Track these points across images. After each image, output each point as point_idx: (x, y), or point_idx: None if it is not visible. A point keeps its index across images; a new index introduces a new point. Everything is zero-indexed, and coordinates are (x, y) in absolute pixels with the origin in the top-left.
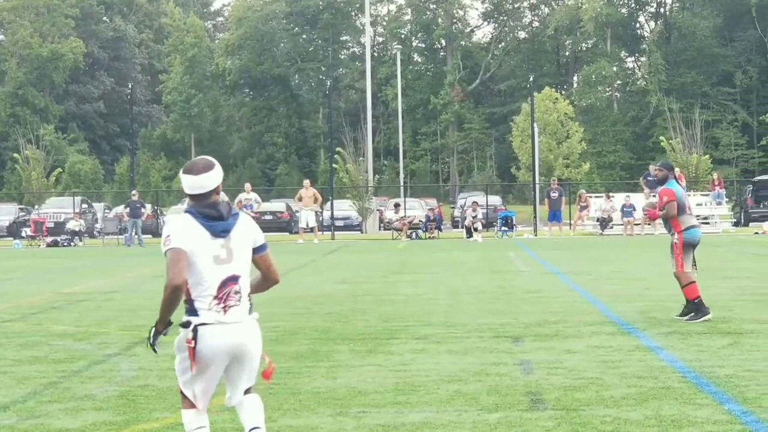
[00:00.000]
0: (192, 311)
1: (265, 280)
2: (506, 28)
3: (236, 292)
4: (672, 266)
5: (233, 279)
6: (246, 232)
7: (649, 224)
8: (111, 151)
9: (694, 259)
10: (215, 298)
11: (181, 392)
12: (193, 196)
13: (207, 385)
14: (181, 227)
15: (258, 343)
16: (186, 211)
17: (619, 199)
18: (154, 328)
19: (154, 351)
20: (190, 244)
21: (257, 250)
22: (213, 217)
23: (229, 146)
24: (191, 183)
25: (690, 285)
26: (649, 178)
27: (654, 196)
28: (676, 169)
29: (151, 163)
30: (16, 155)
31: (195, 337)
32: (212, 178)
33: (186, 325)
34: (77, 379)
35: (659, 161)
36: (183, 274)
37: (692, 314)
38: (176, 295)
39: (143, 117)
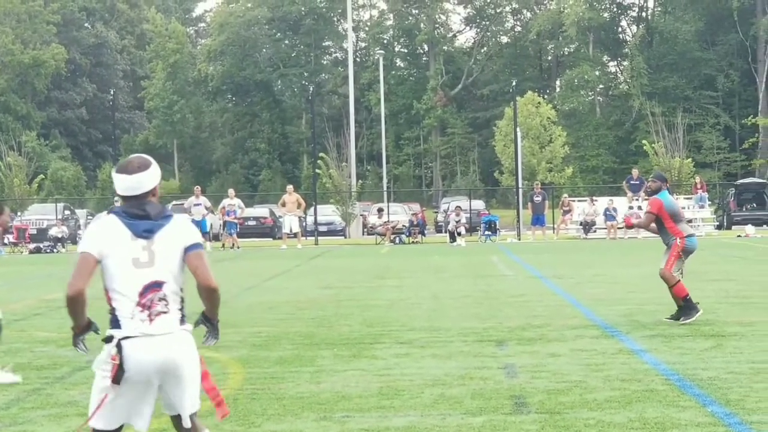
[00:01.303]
0: (115, 322)
1: (198, 286)
2: (488, 33)
3: (161, 299)
4: (662, 263)
5: (156, 285)
6: (176, 235)
7: (631, 229)
8: (93, 157)
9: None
10: (138, 305)
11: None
12: (126, 199)
13: (138, 407)
14: (98, 228)
15: (192, 357)
16: (111, 211)
17: (603, 202)
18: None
19: (81, 351)
20: (106, 247)
21: (186, 250)
22: (137, 215)
23: (212, 152)
24: (125, 183)
25: (677, 284)
26: (631, 182)
27: (637, 199)
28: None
29: None
30: None
31: (120, 354)
32: (147, 179)
33: (109, 339)
34: (60, 385)
35: (652, 172)
36: (79, 283)
37: (683, 314)
38: (73, 305)
39: (125, 123)
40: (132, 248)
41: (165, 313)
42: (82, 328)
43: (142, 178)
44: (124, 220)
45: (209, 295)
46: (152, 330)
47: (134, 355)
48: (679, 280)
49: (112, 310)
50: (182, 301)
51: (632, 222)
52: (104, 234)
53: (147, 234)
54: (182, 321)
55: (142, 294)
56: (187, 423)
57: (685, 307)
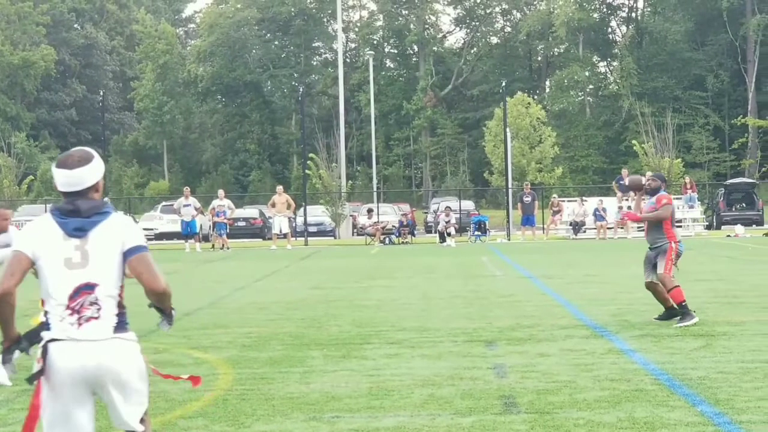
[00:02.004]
0: (46, 325)
1: (146, 292)
2: (478, 34)
3: (92, 303)
4: (659, 268)
5: (88, 287)
6: (112, 234)
7: (621, 228)
8: None
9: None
10: (67, 308)
11: None
12: (67, 195)
13: (69, 424)
14: (32, 227)
15: (128, 367)
16: (50, 209)
17: (592, 203)
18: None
19: (9, 373)
20: (38, 246)
21: (127, 254)
22: (69, 213)
23: (202, 153)
24: (65, 179)
25: (675, 289)
26: (621, 182)
27: (627, 199)
28: (648, 173)
29: (124, 170)
30: None
31: (44, 356)
32: (89, 173)
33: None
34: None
35: (653, 174)
36: (7, 283)
37: (680, 320)
38: (1, 306)
39: (115, 124)
40: (64, 248)
41: (96, 318)
42: (11, 341)
43: (84, 173)
44: (56, 218)
45: (159, 298)
46: (79, 335)
47: (59, 360)
48: (678, 285)
49: (45, 313)
50: (120, 306)
51: (640, 216)
52: (37, 233)
53: (79, 233)
54: (120, 328)
55: (72, 297)
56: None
57: (682, 313)
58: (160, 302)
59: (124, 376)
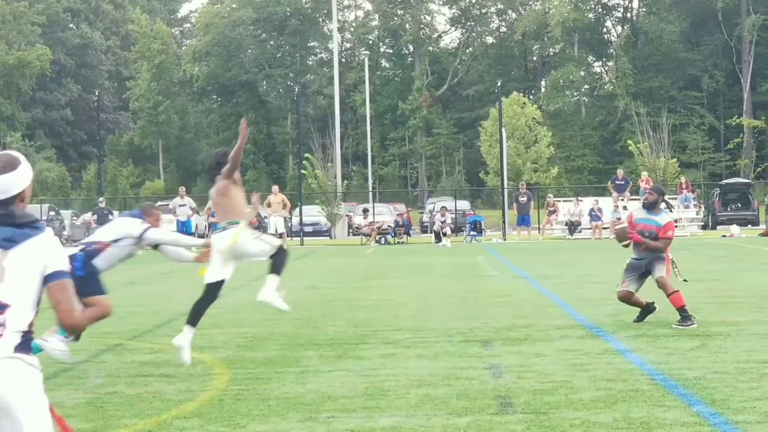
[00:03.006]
0: None
1: (58, 321)
2: (474, 34)
3: None
4: (660, 271)
5: None
6: (36, 254)
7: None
8: (78, 158)
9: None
10: None
11: None
12: None
13: None
14: None
15: (21, 393)
16: None
17: (588, 203)
18: None
19: None
20: None
21: (48, 279)
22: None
23: (197, 153)
24: None
25: (675, 293)
26: (617, 182)
27: (622, 199)
28: (644, 173)
29: (119, 170)
30: None
31: None
32: (17, 180)
33: None
34: (45, 386)
35: (650, 187)
36: None
37: (680, 322)
38: None
39: (111, 124)
40: None
41: None
42: None
43: (10, 179)
44: None
45: (71, 331)
46: None
47: None
48: (678, 290)
49: None
50: (28, 333)
51: (640, 239)
52: None
53: (6, 243)
54: (21, 349)
55: None
56: None
57: (683, 317)
58: (71, 333)
59: (19, 401)
